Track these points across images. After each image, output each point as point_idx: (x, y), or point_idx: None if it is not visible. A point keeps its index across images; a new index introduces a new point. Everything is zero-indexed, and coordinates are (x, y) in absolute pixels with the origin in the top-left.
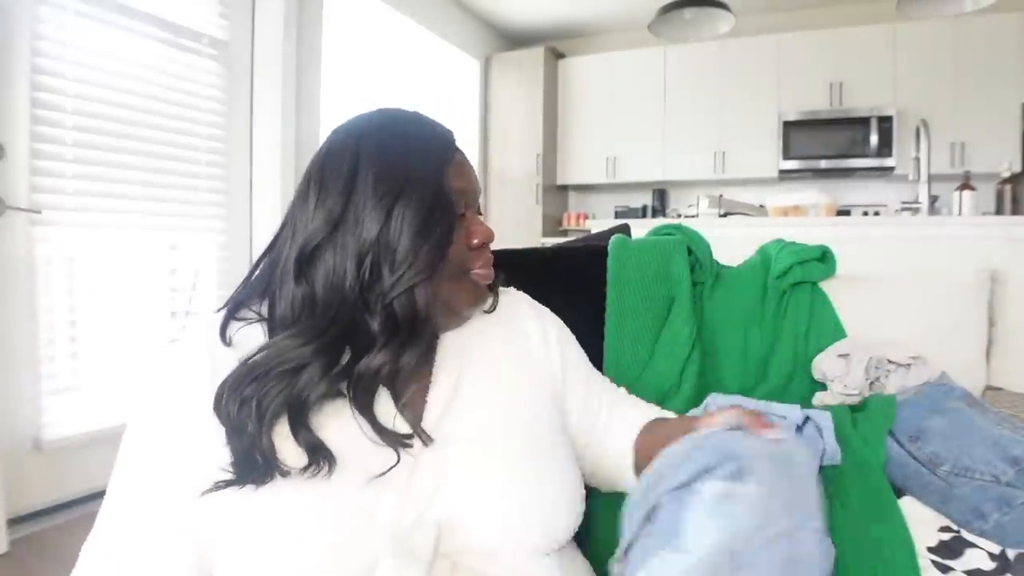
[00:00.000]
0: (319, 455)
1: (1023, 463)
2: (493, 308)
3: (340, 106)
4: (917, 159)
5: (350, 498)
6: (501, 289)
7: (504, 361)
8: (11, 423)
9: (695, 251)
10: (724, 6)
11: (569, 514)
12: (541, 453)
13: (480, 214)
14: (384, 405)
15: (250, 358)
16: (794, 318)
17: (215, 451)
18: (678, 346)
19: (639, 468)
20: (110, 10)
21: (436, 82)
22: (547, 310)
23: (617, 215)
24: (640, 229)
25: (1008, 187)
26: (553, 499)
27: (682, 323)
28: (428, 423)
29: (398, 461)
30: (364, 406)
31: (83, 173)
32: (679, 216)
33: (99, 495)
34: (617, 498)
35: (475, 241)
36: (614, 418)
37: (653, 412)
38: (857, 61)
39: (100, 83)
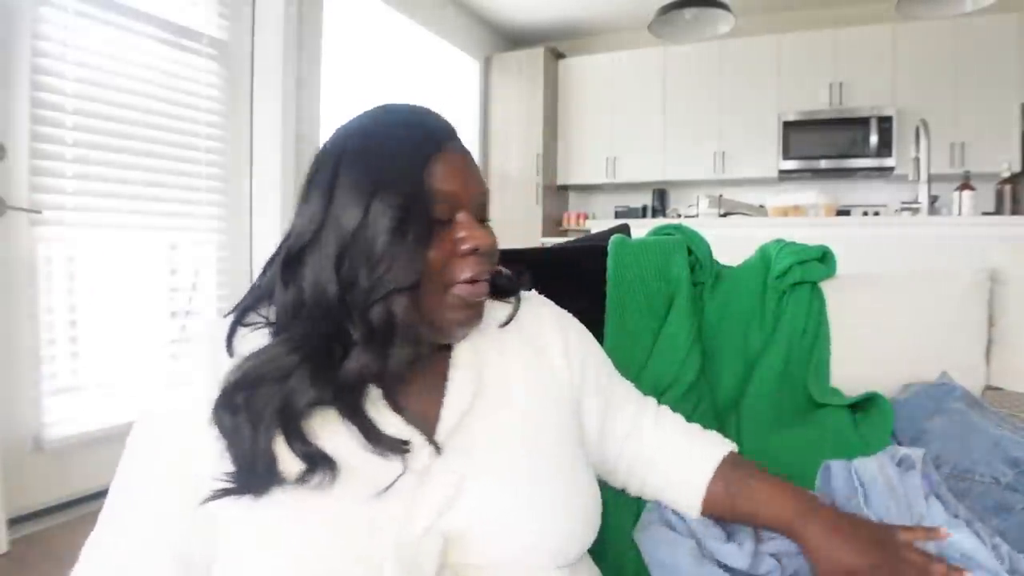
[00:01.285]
0: (317, 464)
1: (1023, 465)
2: (509, 320)
3: (340, 106)
4: (917, 159)
5: (354, 510)
6: (523, 294)
7: (524, 373)
8: (11, 423)
9: (695, 251)
10: (724, 6)
11: (585, 529)
12: (558, 469)
13: (485, 220)
14: (387, 415)
15: (240, 366)
16: (793, 318)
17: (212, 462)
18: (675, 348)
19: (712, 506)
20: (110, 10)
21: (436, 82)
22: (570, 317)
23: (617, 215)
24: (640, 229)
25: (1008, 187)
26: (570, 515)
27: (679, 324)
28: (441, 434)
29: (404, 471)
30: (352, 410)
31: (83, 173)
32: (679, 216)
33: (100, 495)
34: (627, 515)
35: (463, 248)
36: (660, 441)
37: (713, 443)
38: (857, 61)
39: (100, 83)
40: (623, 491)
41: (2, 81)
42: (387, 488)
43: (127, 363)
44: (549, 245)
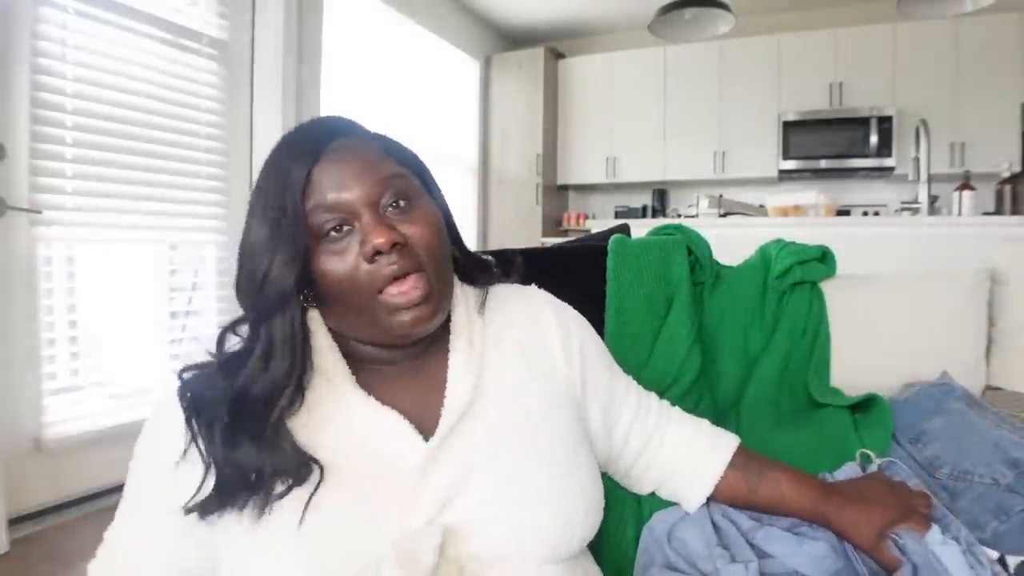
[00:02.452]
0: (296, 471)
1: (1023, 466)
2: (481, 304)
3: (340, 106)
4: (917, 159)
5: (352, 507)
6: (518, 288)
7: (523, 370)
8: (11, 423)
9: (695, 251)
10: (724, 6)
11: (583, 527)
12: (555, 466)
13: (402, 205)
14: (382, 412)
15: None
16: (793, 318)
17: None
18: (676, 346)
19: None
20: (110, 10)
21: (436, 82)
22: (570, 310)
23: (617, 215)
24: (640, 229)
25: (1008, 187)
26: (568, 510)
27: (680, 323)
28: (441, 432)
29: (320, 479)
30: (247, 429)
31: (83, 173)
32: (679, 216)
33: (100, 495)
34: (626, 509)
35: (364, 251)
36: (669, 441)
37: (723, 434)
38: (857, 61)
39: (100, 83)
40: (627, 489)
41: (2, 81)
42: (312, 496)
43: (127, 363)
44: (549, 245)
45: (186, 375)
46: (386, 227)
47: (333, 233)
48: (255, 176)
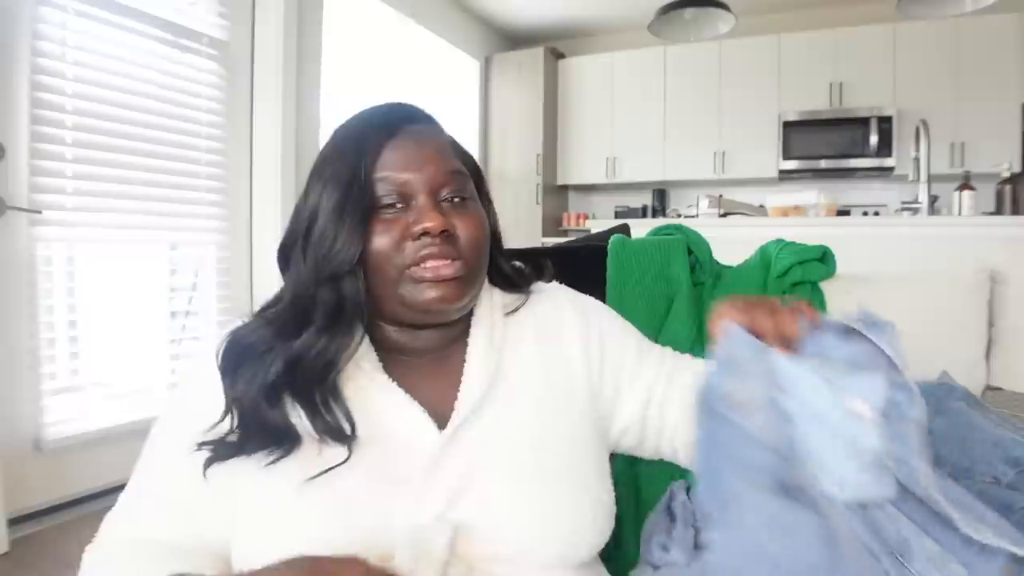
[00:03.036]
0: (332, 434)
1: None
2: (516, 308)
3: (340, 106)
4: (917, 159)
5: (365, 496)
6: (540, 285)
7: (541, 366)
8: (11, 423)
9: (695, 251)
10: (724, 6)
11: (594, 531)
12: (567, 468)
13: (457, 200)
14: (400, 400)
15: (231, 334)
16: None
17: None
18: (676, 346)
19: None
20: (110, 10)
21: (436, 82)
22: (591, 302)
23: (617, 215)
24: (640, 229)
25: (1008, 187)
26: (578, 515)
27: (680, 323)
28: (454, 423)
29: (348, 458)
30: (297, 390)
31: (83, 173)
32: (679, 216)
33: (99, 495)
34: (627, 511)
35: (413, 230)
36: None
37: None
38: (857, 61)
39: (100, 83)
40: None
41: (2, 81)
42: (323, 472)
43: (127, 363)
44: (549, 245)
45: (234, 331)
46: (440, 213)
47: (388, 207)
48: (255, 176)
